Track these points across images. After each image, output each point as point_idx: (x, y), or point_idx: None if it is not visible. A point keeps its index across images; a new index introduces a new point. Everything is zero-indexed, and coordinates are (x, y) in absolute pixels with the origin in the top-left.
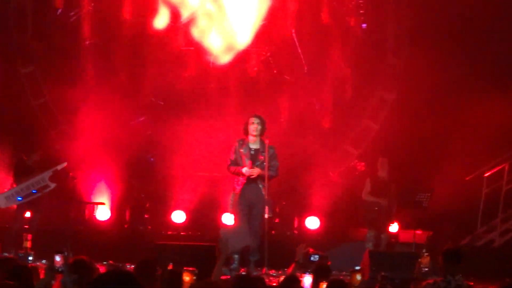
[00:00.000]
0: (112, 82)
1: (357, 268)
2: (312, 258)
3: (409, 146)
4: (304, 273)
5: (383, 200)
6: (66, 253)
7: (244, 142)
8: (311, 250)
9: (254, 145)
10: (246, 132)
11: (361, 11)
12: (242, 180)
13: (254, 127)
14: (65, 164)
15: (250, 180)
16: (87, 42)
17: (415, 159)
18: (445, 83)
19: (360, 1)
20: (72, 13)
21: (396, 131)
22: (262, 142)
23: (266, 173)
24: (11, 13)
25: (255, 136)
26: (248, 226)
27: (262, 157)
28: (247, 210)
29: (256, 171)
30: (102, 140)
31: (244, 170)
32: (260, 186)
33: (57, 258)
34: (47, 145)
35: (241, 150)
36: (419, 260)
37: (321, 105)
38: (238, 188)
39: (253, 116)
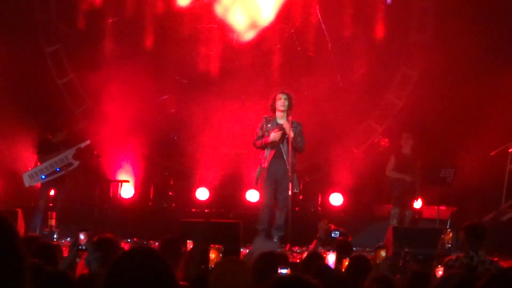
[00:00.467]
0: (136, 60)
1: (381, 244)
2: (333, 235)
3: (433, 122)
4: (328, 250)
5: (407, 176)
6: (90, 231)
7: (271, 118)
8: (332, 226)
9: (281, 120)
10: (273, 109)
11: None
12: (269, 155)
13: (281, 102)
14: (88, 142)
15: (277, 156)
16: (110, 21)
17: (439, 135)
18: (469, 59)
19: None
20: None
21: (420, 107)
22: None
23: (290, 147)
24: None
25: (282, 111)
26: (274, 201)
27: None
28: (274, 185)
29: (279, 134)
30: (126, 119)
31: (272, 135)
32: (287, 162)
33: (81, 236)
34: (72, 124)
35: (268, 126)
36: (442, 236)
37: (345, 81)
38: (266, 163)
39: (280, 92)
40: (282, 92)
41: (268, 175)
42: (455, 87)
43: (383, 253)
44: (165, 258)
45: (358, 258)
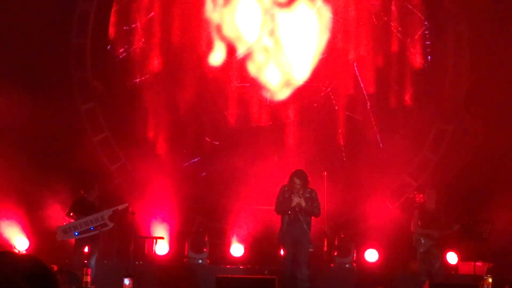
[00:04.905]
0: (169, 118)
1: None
2: None
3: (469, 176)
4: None
5: (433, 232)
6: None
7: (289, 189)
8: None
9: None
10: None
11: (427, 42)
12: (287, 220)
13: (297, 189)
14: (126, 205)
15: (295, 219)
16: (137, 80)
17: (475, 189)
18: (503, 111)
19: (427, 32)
20: (121, 50)
21: (455, 161)
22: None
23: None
24: (71, 51)
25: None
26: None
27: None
28: (294, 245)
29: (302, 200)
30: (160, 175)
31: (295, 199)
32: (304, 224)
33: (126, 282)
34: (107, 182)
35: (286, 196)
36: (482, 282)
37: (383, 140)
38: (285, 226)
39: (295, 177)
40: (297, 177)
41: (286, 237)
42: (490, 140)
43: None
44: None
45: None
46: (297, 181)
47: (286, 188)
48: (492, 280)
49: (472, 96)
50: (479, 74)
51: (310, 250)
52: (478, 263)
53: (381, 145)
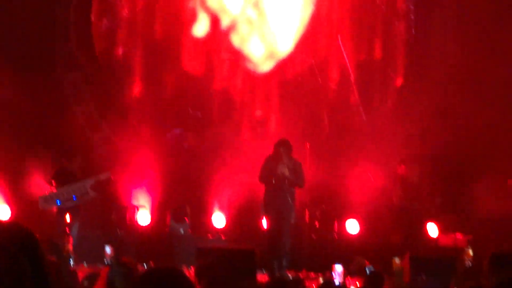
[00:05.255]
0: (153, 89)
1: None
2: (367, 269)
3: (450, 150)
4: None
5: (414, 203)
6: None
7: (274, 159)
8: (367, 262)
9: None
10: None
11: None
12: (271, 190)
13: (281, 157)
14: (108, 174)
15: (279, 190)
16: (120, 52)
17: (456, 163)
18: (485, 88)
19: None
20: (104, 22)
21: (437, 136)
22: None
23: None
24: (55, 22)
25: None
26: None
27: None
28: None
29: (286, 169)
30: (142, 146)
31: (279, 167)
32: (288, 196)
33: (107, 250)
34: (89, 152)
35: (270, 166)
36: (463, 253)
37: (368, 115)
38: (268, 197)
39: (279, 146)
40: (281, 146)
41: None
42: (471, 116)
43: (397, 260)
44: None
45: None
46: (281, 149)
47: (270, 159)
48: (473, 252)
49: (459, 72)
50: (466, 50)
51: (292, 222)
52: (458, 235)
53: (364, 117)
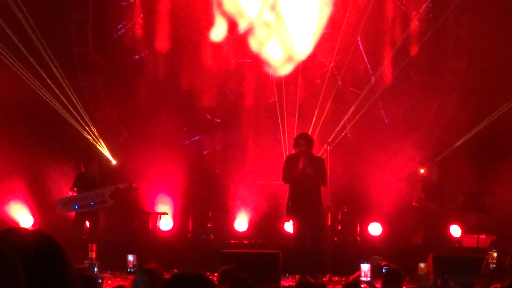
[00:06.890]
0: (172, 95)
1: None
2: (384, 270)
3: (470, 150)
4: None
5: (435, 204)
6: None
7: (295, 155)
8: (384, 262)
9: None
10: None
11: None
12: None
13: (303, 150)
14: (128, 183)
15: (303, 190)
16: (136, 57)
17: (477, 163)
18: (504, 83)
19: (431, 5)
20: (119, 26)
21: (458, 134)
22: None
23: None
24: (72, 27)
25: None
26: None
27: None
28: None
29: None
30: (163, 151)
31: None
32: (313, 195)
33: (130, 258)
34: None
35: (292, 162)
36: (487, 256)
37: (390, 117)
38: (292, 199)
39: (300, 139)
40: (301, 138)
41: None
42: (492, 113)
43: (422, 265)
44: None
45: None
46: (301, 141)
47: (292, 157)
48: (497, 255)
49: (473, 68)
50: (480, 46)
51: (321, 222)
52: (482, 236)
53: (386, 121)
